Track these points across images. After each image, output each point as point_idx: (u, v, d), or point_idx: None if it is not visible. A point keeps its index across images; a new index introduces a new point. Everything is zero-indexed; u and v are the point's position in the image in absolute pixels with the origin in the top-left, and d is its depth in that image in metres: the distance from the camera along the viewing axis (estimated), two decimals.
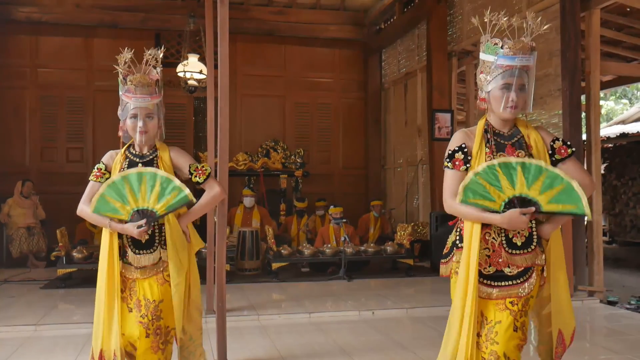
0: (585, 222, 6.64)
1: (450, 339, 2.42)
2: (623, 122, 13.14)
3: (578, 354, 4.28)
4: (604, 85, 9.63)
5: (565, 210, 2.31)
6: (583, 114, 6.64)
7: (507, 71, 2.38)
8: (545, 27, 2.45)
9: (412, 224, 9.08)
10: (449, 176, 2.47)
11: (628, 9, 7.39)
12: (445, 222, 7.95)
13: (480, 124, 2.52)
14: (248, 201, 8.95)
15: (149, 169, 2.73)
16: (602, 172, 11.68)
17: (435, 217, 8.22)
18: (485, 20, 2.46)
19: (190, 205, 2.81)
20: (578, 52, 6.30)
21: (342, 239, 7.58)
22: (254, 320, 5.37)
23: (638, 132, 10.95)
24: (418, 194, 10.23)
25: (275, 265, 7.39)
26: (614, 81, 9.91)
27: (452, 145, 2.49)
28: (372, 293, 6.61)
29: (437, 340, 4.64)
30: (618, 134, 11.39)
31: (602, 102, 16.38)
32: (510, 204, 2.32)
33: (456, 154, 2.46)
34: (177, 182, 2.71)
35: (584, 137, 6.67)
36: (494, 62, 2.41)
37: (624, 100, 24.12)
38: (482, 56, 2.47)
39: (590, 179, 2.51)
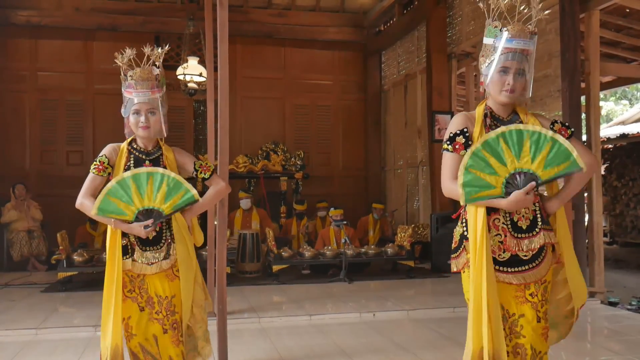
0: (586, 223, 6.63)
1: (471, 332, 2.37)
2: (623, 122, 13.16)
3: (579, 354, 4.27)
4: (604, 86, 9.64)
5: (561, 171, 2.27)
6: (583, 115, 6.64)
7: (505, 54, 2.36)
8: (546, 12, 2.44)
9: (413, 225, 9.09)
10: (448, 159, 2.44)
11: (627, 10, 7.41)
12: (445, 223, 7.96)
13: (480, 108, 2.49)
14: (244, 203, 8.94)
15: (158, 170, 2.72)
16: (603, 173, 11.69)
17: (435, 219, 8.22)
18: (482, 7, 2.44)
19: (194, 203, 2.79)
20: (577, 53, 6.30)
21: (343, 241, 7.57)
22: (255, 323, 5.36)
23: (638, 132, 10.96)
24: (418, 195, 10.23)
25: (275, 268, 7.38)
26: (613, 82, 9.93)
27: (453, 127, 2.46)
28: (373, 295, 6.61)
29: (438, 342, 4.67)
30: (618, 135, 11.40)
31: (602, 103, 16.37)
32: (509, 183, 2.29)
33: (457, 138, 2.42)
34: (185, 183, 2.71)
35: (584, 138, 6.68)
36: (492, 44, 2.40)
37: (624, 101, 24.15)
38: (484, 40, 2.46)
39: (594, 157, 2.49)
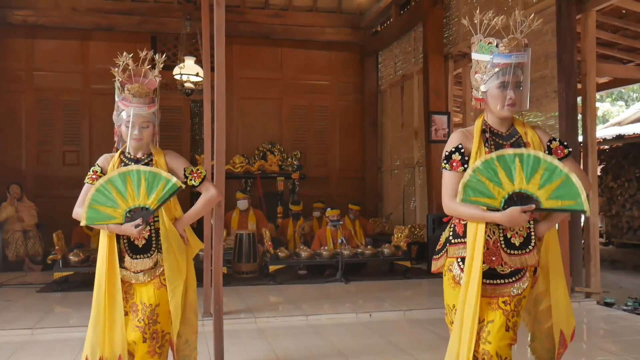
0: (582, 224, 6.65)
1: (454, 341, 2.40)
2: (619, 123, 13.19)
3: (575, 355, 4.28)
4: (600, 87, 9.66)
5: (565, 206, 2.29)
6: (579, 116, 6.65)
7: (503, 69, 2.37)
8: (537, 22, 2.45)
9: (409, 226, 9.09)
10: (447, 177, 2.45)
11: (624, 11, 7.42)
12: (442, 224, 7.95)
13: (478, 123, 2.50)
14: (241, 204, 8.93)
15: (131, 168, 2.72)
16: (599, 173, 11.71)
17: (432, 219, 8.22)
18: (476, 21, 2.46)
19: (180, 191, 2.75)
20: (574, 54, 6.31)
21: (339, 241, 7.58)
22: (251, 323, 5.36)
23: (634, 133, 10.99)
24: (415, 196, 10.23)
25: (272, 268, 7.38)
26: (610, 83, 9.94)
27: (449, 146, 2.48)
28: (370, 295, 6.61)
29: (435, 342, 4.67)
30: (614, 136, 11.41)
31: (598, 104, 16.43)
32: (510, 200, 2.31)
33: (453, 155, 2.44)
34: (163, 173, 2.70)
35: (580, 138, 6.68)
36: (489, 61, 2.40)
37: (620, 102, 24.21)
38: (476, 56, 2.47)
39: (587, 179, 2.50)
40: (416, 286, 7.31)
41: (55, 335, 4.93)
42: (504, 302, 2.41)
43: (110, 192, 2.68)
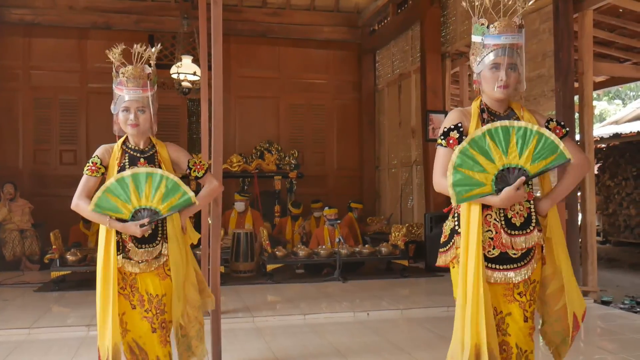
0: (579, 223, 6.66)
1: (458, 330, 2.37)
2: (616, 122, 13.22)
3: (573, 354, 4.28)
4: (597, 86, 9.67)
5: (550, 164, 2.27)
6: (576, 115, 6.66)
7: (495, 50, 2.36)
8: (531, 2, 2.43)
9: (407, 224, 9.09)
10: (442, 154, 2.43)
11: (621, 10, 7.43)
12: (439, 223, 7.96)
13: (475, 104, 2.49)
14: (239, 206, 8.90)
15: (158, 170, 2.74)
16: (596, 172, 11.75)
17: (429, 218, 8.23)
18: (465, 6, 2.45)
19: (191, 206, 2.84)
20: (571, 53, 6.32)
21: (337, 240, 7.58)
22: (249, 322, 5.36)
23: (631, 132, 11.02)
24: (412, 194, 10.24)
25: (270, 267, 7.37)
26: (607, 82, 9.96)
27: (448, 122, 2.46)
28: (367, 294, 6.61)
29: (433, 341, 4.68)
30: (611, 135, 11.45)
31: (595, 103, 16.48)
32: (501, 179, 2.29)
33: (451, 133, 2.41)
34: (183, 185, 2.74)
35: (577, 137, 6.70)
36: (481, 42, 2.40)
37: (617, 101, 24.27)
38: (473, 38, 2.47)
39: (586, 156, 2.49)
40: (414, 285, 7.32)
41: (52, 335, 4.92)
42: (519, 293, 2.40)
43: (129, 187, 2.70)
